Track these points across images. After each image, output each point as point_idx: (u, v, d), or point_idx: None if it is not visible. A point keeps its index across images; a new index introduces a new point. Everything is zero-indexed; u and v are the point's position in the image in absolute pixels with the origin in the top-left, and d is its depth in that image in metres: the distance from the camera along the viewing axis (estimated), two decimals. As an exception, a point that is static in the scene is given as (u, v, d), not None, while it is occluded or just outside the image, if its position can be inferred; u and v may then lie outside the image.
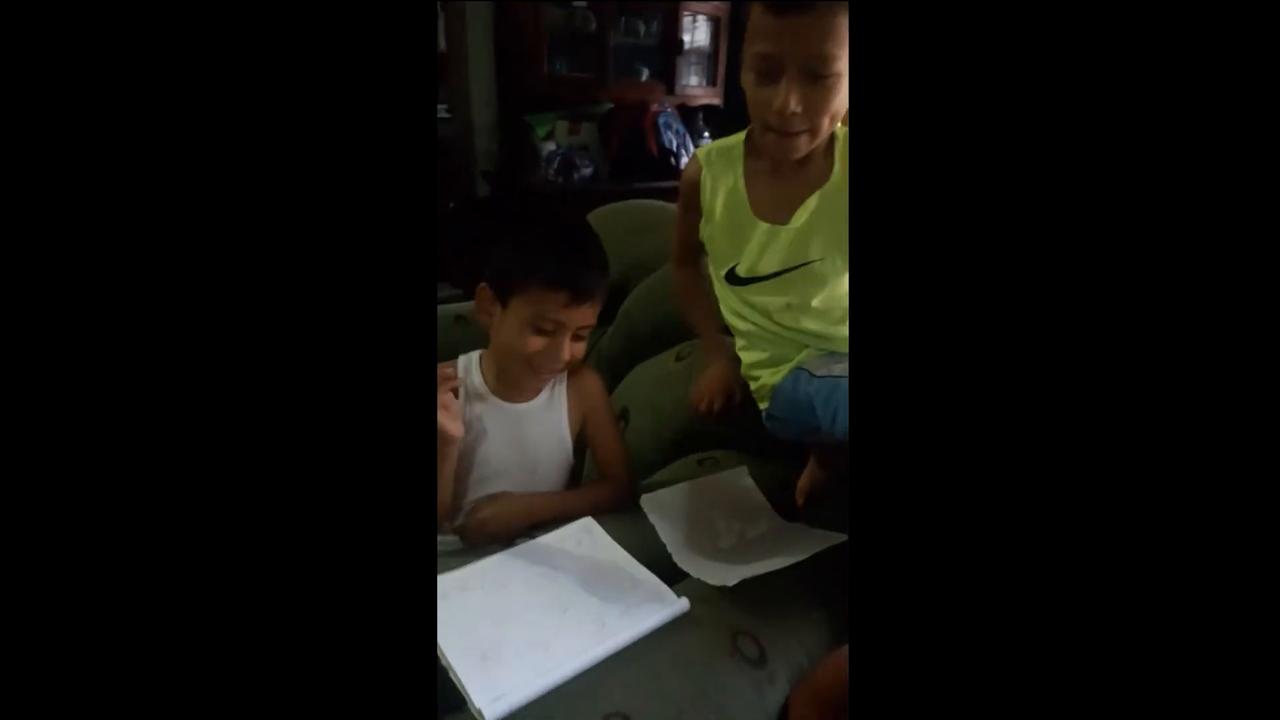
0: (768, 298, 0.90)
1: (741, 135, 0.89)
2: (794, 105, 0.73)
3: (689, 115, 3.13)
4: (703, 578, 0.77)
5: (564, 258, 0.85)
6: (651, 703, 0.62)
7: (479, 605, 0.70)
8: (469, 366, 0.94)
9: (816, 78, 0.72)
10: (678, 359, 1.18)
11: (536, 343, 0.86)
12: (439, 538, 0.89)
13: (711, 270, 0.96)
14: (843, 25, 0.70)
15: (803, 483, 0.98)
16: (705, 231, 0.92)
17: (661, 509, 0.90)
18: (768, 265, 0.88)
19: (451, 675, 0.61)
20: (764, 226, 0.86)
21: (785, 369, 0.92)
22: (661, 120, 2.90)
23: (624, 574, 0.77)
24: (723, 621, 0.72)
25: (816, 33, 0.70)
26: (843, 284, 0.87)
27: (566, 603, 0.72)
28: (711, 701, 0.64)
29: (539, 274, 0.84)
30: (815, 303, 0.88)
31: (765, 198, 0.87)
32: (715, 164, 0.89)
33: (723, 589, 0.75)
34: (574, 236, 0.90)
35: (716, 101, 3.25)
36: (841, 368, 0.87)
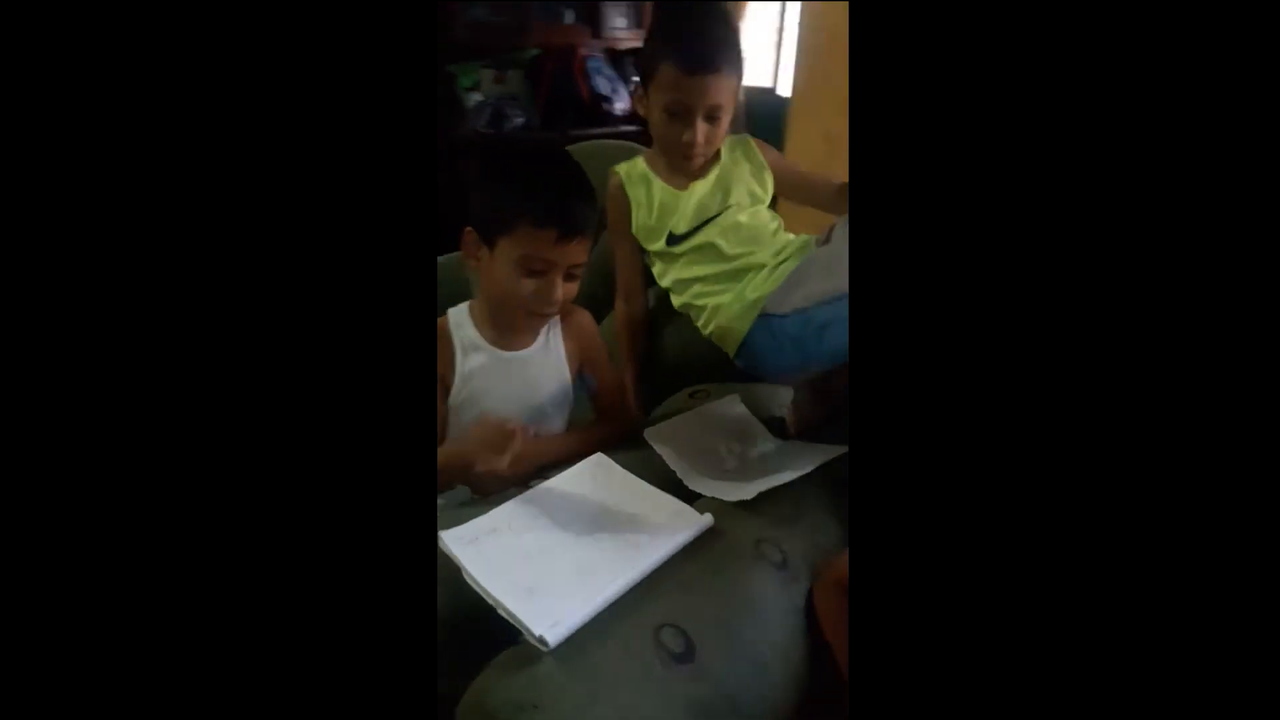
0: (711, 237, 1.08)
1: (639, 160, 1.16)
2: (701, 141, 1.05)
3: (617, 59, 3.06)
4: (720, 496, 0.81)
5: (550, 194, 0.83)
6: (694, 610, 0.66)
7: (511, 545, 0.72)
8: (459, 320, 0.93)
9: (714, 120, 1.05)
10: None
11: (528, 285, 0.84)
12: (448, 492, 0.90)
13: (652, 246, 1.13)
14: (734, 84, 1.05)
15: (791, 415, 1.03)
16: (639, 224, 1.12)
17: (665, 439, 0.94)
18: (699, 216, 1.09)
19: (502, 612, 0.63)
20: (684, 192, 1.11)
21: (740, 300, 1.01)
22: (591, 65, 2.83)
23: (646, 500, 0.80)
24: (745, 532, 0.76)
25: (715, 89, 1.01)
26: (758, 214, 1.12)
27: (597, 532, 0.74)
28: (745, 603, 0.69)
29: (526, 213, 0.81)
30: (743, 218, 1.09)
31: (678, 181, 1.12)
32: (633, 177, 1.13)
33: (740, 504, 0.80)
34: (559, 171, 0.88)
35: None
36: (800, 294, 0.94)
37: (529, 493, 0.80)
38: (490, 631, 0.65)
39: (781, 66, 3.34)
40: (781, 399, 1.10)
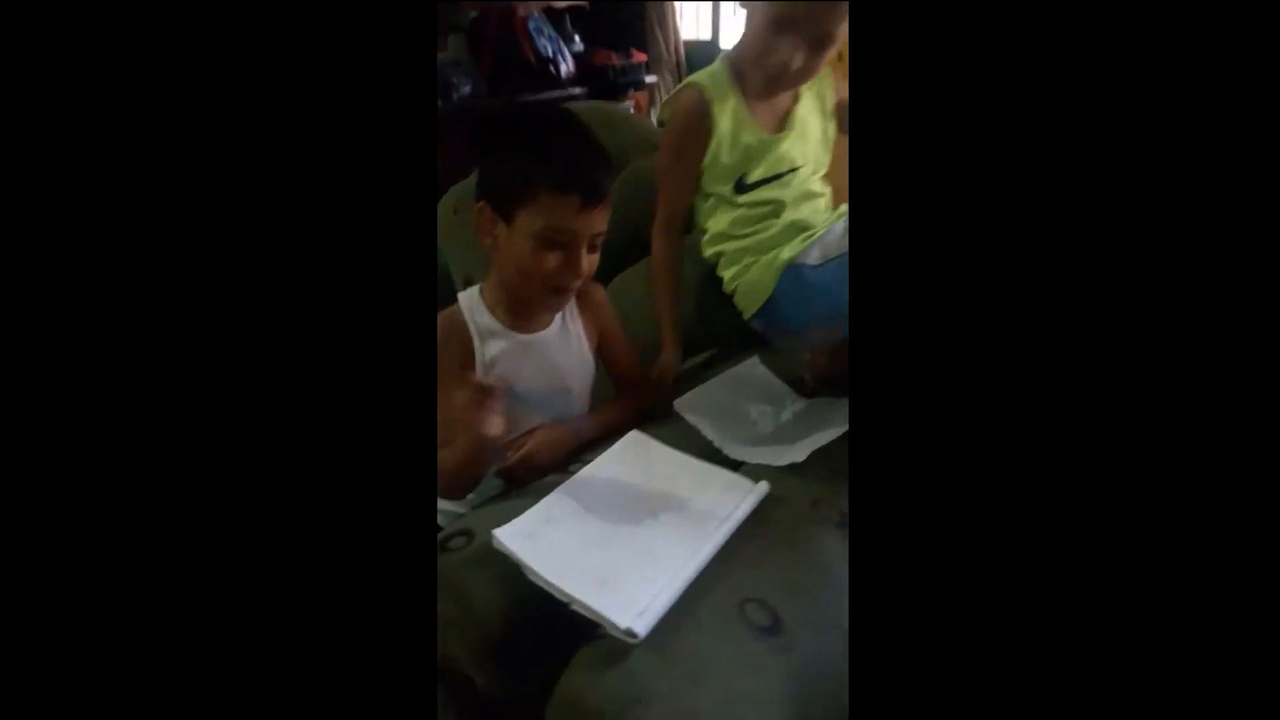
0: (777, 194, 1.01)
1: (720, 74, 1.00)
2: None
3: (556, 19, 2.94)
4: (768, 462, 0.80)
5: (570, 158, 0.77)
6: (772, 582, 0.65)
7: (570, 536, 0.68)
8: (472, 305, 0.86)
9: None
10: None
11: (551, 259, 0.78)
12: (484, 484, 0.85)
13: (714, 188, 1.03)
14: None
15: (808, 372, 1.02)
16: (714, 159, 1.00)
17: (696, 409, 0.91)
18: (774, 168, 1.01)
19: (577, 608, 0.60)
20: (773, 138, 1.01)
21: (775, 260, 0.98)
22: (532, 25, 2.71)
23: (695, 474, 0.77)
24: (799, 496, 0.75)
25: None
26: (822, 182, 1.07)
27: (656, 513, 0.71)
28: (819, 568, 0.68)
29: (546, 180, 0.75)
30: (815, 185, 1.04)
31: (768, 120, 1.02)
32: (720, 100, 0.98)
33: (788, 467, 0.78)
34: (575, 135, 0.82)
35: (583, 2, 3.08)
36: (835, 244, 0.92)
37: (573, 480, 0.76)
38: (554, 630, 0.63)
39: (721, 19, 3.28)
40: (793, 360, 1.10)
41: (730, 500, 0.73)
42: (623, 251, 1.17)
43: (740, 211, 1.01)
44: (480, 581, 0.65)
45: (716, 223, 1.03)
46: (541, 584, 0.63)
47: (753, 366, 1.01)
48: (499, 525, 0.68)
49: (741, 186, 1.01)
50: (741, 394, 0.95)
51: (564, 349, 0.89)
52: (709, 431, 0.87)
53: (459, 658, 0.64)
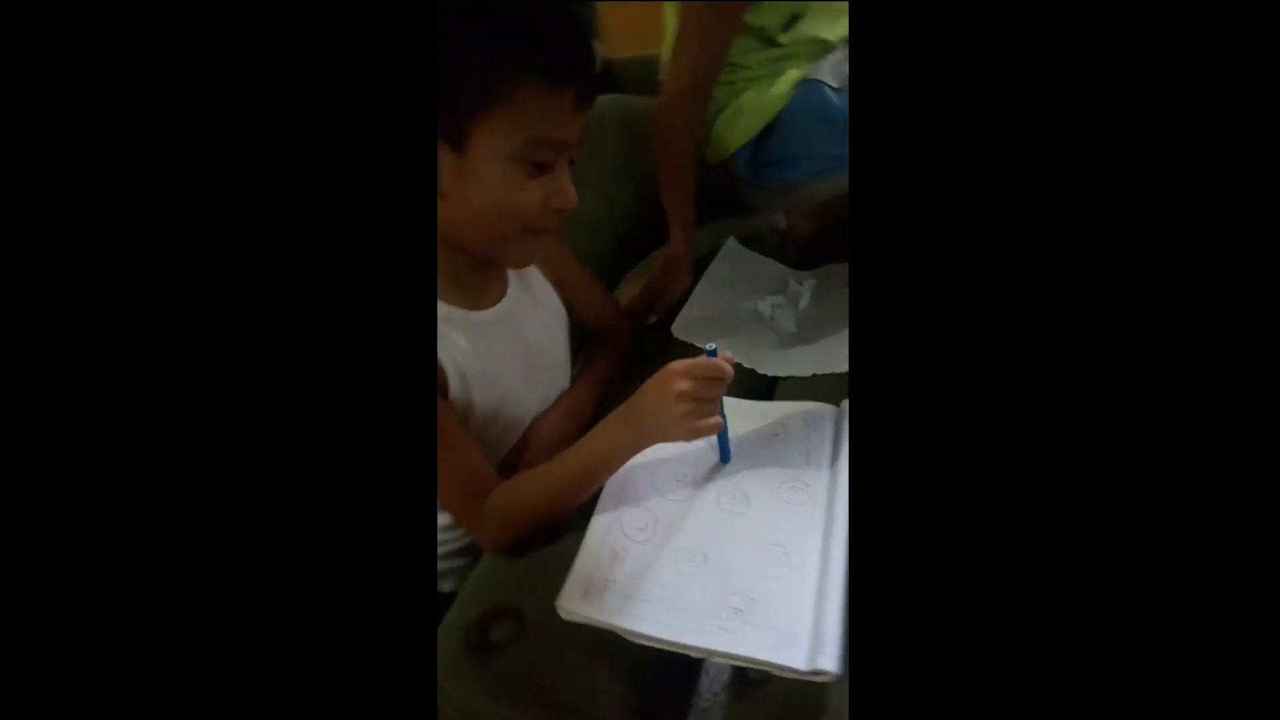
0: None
1: None
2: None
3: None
4: (824, 369, 0.64)
5: (561, 36, 0.51)
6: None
7: (654, 570, 0.49)
8: None
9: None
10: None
11: (535, 188, 0.53)
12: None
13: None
14: None
15: (787, 239, 0.84)
16: None
17: (696, 328, 0.72)
18: None
19: (720, 659, 0.44)
20: None
21: (773, 84, 0.76)
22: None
23: (757, 421, 0.59)
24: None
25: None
26: None
27: (744, 496, 0.54)
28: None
29: (534, 67, 0.50)
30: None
31: None
32: None
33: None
34: (562, 10, 0.53)
35: None
36: None
37: (607, 492, 0.56)
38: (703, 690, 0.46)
39: None
40: (766, 225, 0.92)
41: (823, 442, 0.57)
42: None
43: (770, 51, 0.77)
44: (568, 676, 0.46)
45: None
46: (655, 645, 0.45)
47: (734, 251, 0.82)
48: (539, 591, 0.49)
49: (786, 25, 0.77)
50: (739, 290, 0.77)
51: (534, 314, 0.65)
52: (727, 350, 0.69)
53: None
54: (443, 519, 0.62)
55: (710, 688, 0.53)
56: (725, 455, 0.57)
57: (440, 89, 0.46)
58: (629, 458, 0.54)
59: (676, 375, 0.52)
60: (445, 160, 0.52)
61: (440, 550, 0.63)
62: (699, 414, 0.52)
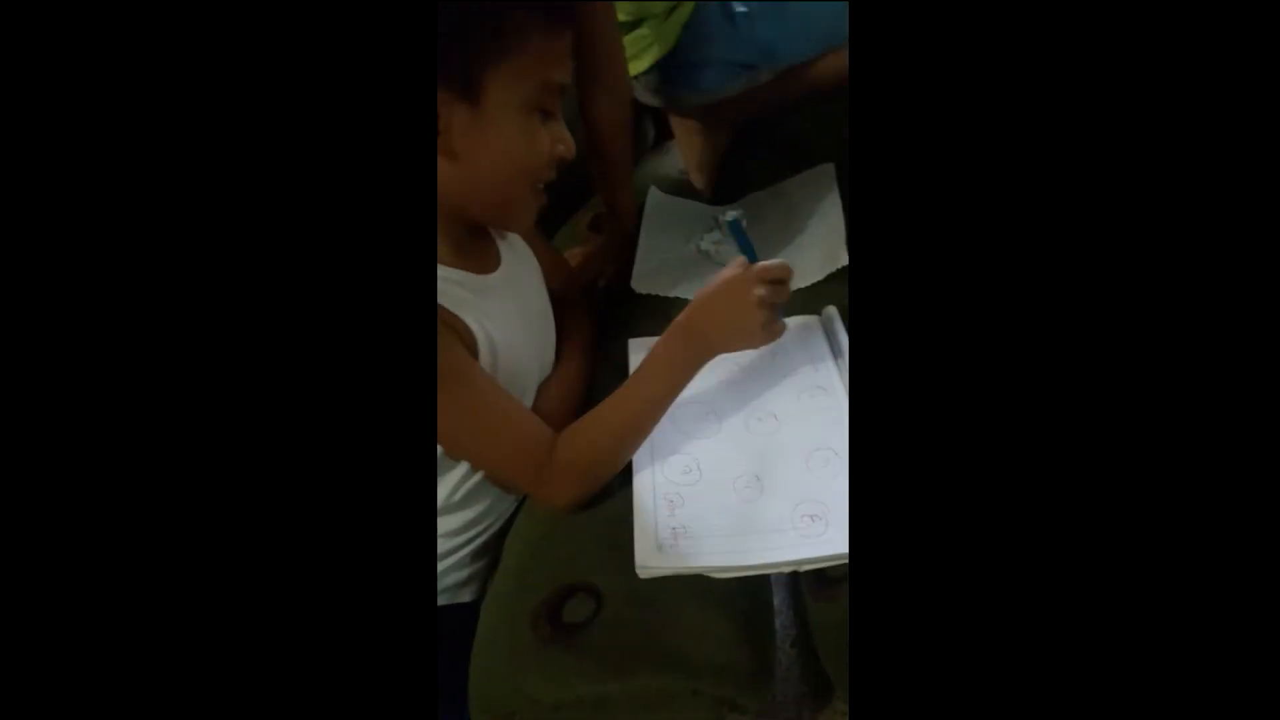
0: None
1: None
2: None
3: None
4: (798, 285, 0.66)
5: None
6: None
7: (717, 504, 0.49)
8: None
9: None
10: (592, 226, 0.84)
11: (545, 135, 0.51)
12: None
13: None
14: None
15: (703, 159, 0.85)
16: None
17: (655, 278, 0.72)
18: None
19: (809, 566, 0.45)
20: None
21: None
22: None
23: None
24: (844, 295, 0.64)
25: None
26: None
27: (776, 416, 0.55)
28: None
29: (538, 12, 0.48)
30: None
31: None
32: None
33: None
34: None
35: None
36: None
37: (643, 452, 0.54)
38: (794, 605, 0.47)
39: None
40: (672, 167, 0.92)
41: (821, 347, 0.59)
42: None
43: None
44: (671, 630, 0.45)
45: None
46: (744, 574, 0.46)
47: (659, 199, 0.82)
48: (607, 561, 0.48)
49: None
50: (680, 234, 0.77)
51: (528, 277, 0.62)
52: (690, 293, 0.69)
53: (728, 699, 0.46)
54: (453, 521, 0.57)
55: (785, 600, 0.54)
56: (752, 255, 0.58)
57: (450, 41, 0.43)
58: (694, 375, 0.54)
59: (752, 283, 0.53)
60: (457, 115, 0.48)
61: (458, 555, 0.58)
62: (774, 318, 0.54)
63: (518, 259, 0.61)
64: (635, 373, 0.55)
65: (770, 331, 0.54)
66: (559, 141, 0.52)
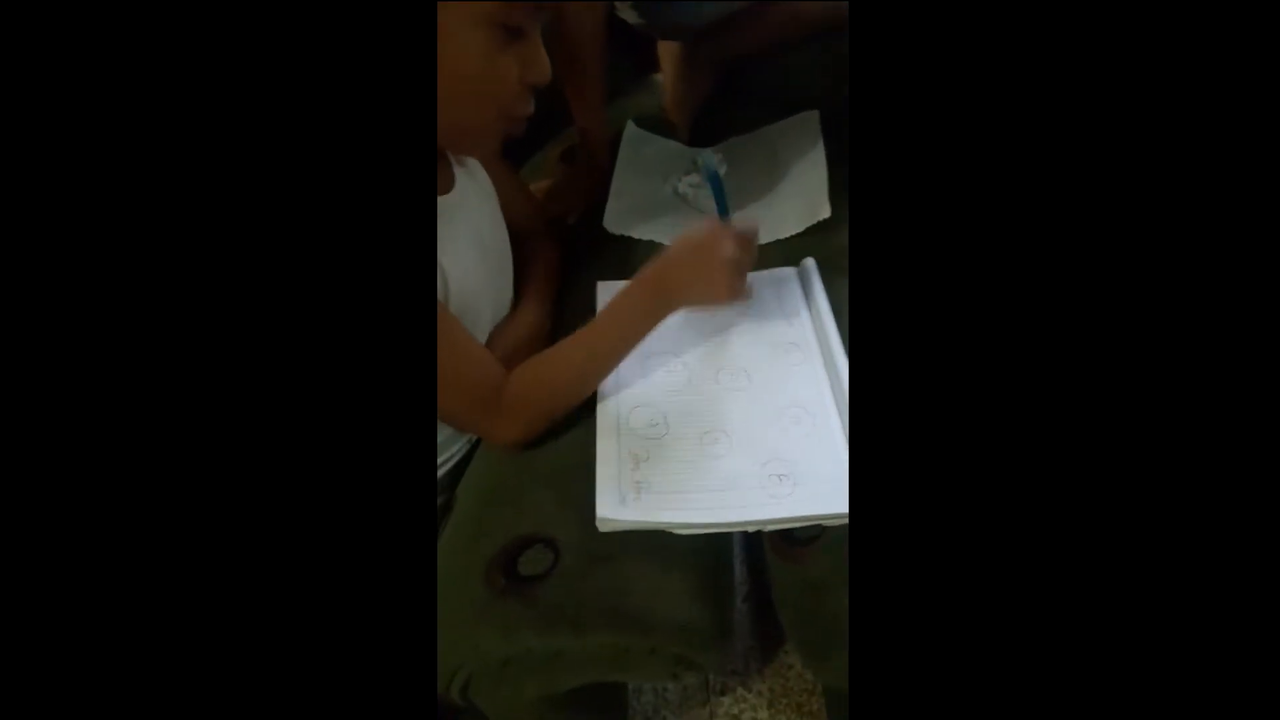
0: None
1: None
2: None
3: None
4: (763, 240, 0.63)
5: None
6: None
7: (684, 457, 0.47)
8: None
9: None
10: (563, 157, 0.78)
11: (510, 58, 0.46)
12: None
13: None
14: None
15: (685, 97, 0.80)
16: None
17: (628, 218, 0.68)
18: None
19: (774, 527, 0.44)
20: None
21: None
22: None
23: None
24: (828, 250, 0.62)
25: None
26: None
27: (748, 372, 0.53)
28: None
29: None
30: None
31: None
32: None
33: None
34: None
35: None
36: None
37: (607, 404, 0.52)
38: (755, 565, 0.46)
39: None
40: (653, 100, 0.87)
41: (796, 302, 0.57)
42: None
43: None
44: (629, 585, 0.44)
45: None
46: (706, 531, 0.44)
47: (636, 135, 0.77)
48: (566, 513, 0.46)
49: None
50: (656, 174, 0.73)
51: (483, 204, 0.57)
52: (667, 238, 0.66)
53: (684, 657, 0.45)
54: None
55: (741, 557, 0.54)
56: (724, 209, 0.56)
57: None
58: (654, 328, 0.53)
59: (722, 241, 0.51)
60: None
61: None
62: (741, 279, 0.53)
63: (474, 185, 0.56)
64: (595, 319, 0.53)
65: (735, 292, 0.53)
66: (530, 65, 0.46)
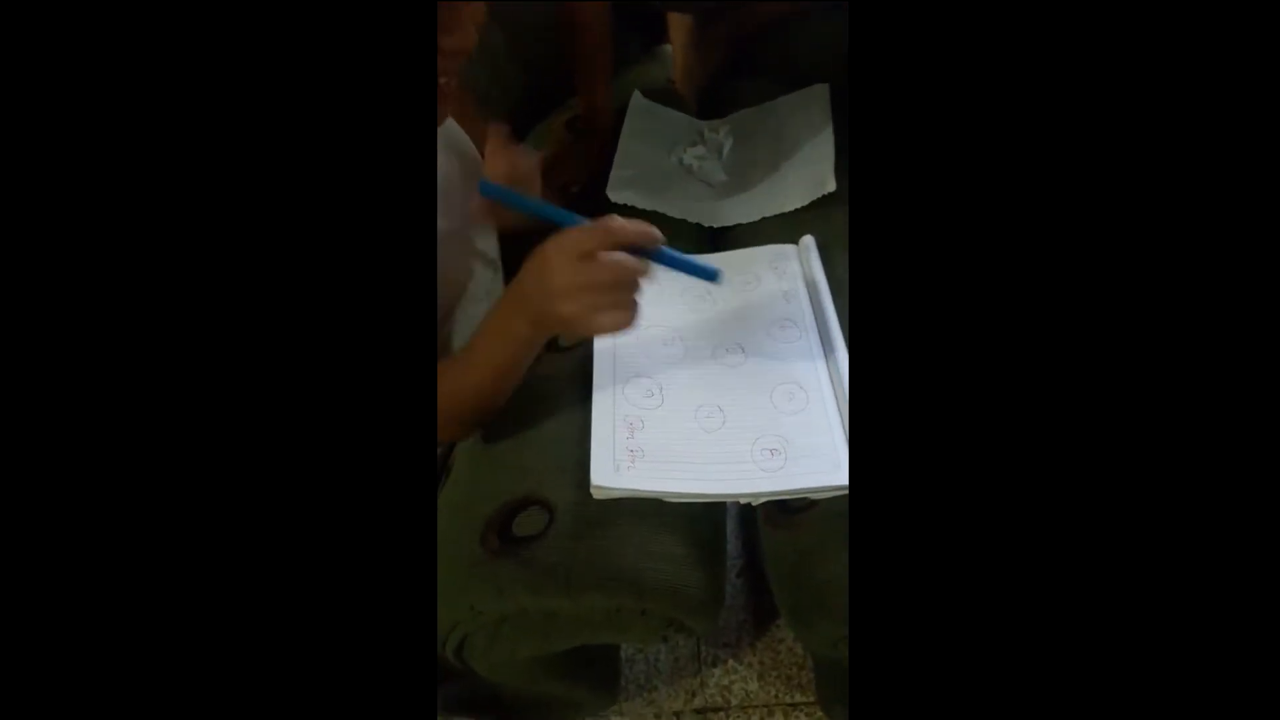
0: None
1: None
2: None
3: None
4: (766, 214, 0.64)
5: None
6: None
7: (678, 426, 0.48)
8: None
9: None
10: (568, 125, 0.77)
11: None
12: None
13: None
14: None
15: (694, 69, 0.80)
16: None
17: (630, 186, 0.68)
18: None
19: (765, 499, 0.44)
20: None
21: None
22: None
23: (730, 278, 0.55)
24: (833, 228, 0.61)
25: None
26: None
27: (741, 346, 0.52)
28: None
29: None
30: None
31: None
32: None
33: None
34: None
35: None
36: None
37: (601, 358, 0.52)
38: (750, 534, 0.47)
39: None
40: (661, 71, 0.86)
41: (796, 279, 0.57)
42: None
43: None
44: (632, 542, 0.44)
45: None
46: (699, 500, 0.45)
47: (642, 105, 0.76)
48: (562, 477, 0.46)
49: None
50: (661, 144, 0.73)
51: (449, 168, 0.55)
52: (670, 208, 0.66)
53: (675, 619, 0.46)
54: None
55: (735, 532, 0.54)
56: (710, 274, 0.46)
57: None
58: (533, 350, 0.47)
59: (584, 246, 0.40)
60: None
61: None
62: (623, 301, 0.41)
63: (445, 147, 0.55)
64: (469, 342, 0.47)
65: (613, 320, 0.41)
66: (445, 32, 0.38)
